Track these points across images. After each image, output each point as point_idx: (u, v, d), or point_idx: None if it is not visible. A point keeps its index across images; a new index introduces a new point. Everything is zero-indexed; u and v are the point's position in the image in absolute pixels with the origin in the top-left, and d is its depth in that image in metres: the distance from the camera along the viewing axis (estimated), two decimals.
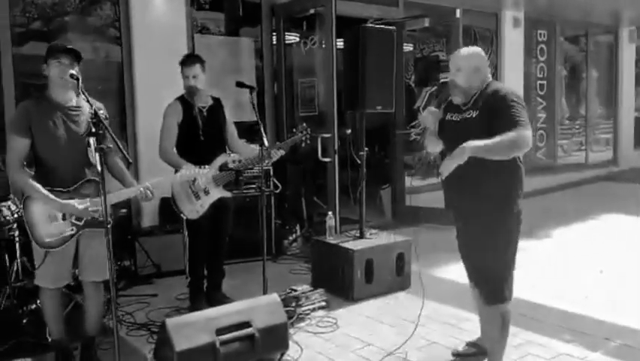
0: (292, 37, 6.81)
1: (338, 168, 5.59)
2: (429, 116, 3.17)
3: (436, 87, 7.52)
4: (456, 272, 4.97)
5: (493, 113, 2.83)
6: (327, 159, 5.56)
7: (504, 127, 2.74)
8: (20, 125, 3.02)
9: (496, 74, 8.75)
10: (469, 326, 3.84)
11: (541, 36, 9.77)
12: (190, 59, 4.14)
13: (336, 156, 5.54)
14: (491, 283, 2.98)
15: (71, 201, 3.01)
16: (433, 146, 3.25)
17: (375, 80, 4.64)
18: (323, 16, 5.82)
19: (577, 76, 11.15)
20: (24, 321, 3.83)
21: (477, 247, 3.02)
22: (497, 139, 2.71)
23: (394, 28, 4.95)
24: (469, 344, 3.46)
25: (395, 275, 4.60)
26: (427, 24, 6.97)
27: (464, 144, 2.72)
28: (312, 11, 6.37)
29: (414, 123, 7.29)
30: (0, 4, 4.93)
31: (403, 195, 7.23)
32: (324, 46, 5.92)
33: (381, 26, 4.96)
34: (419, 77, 7.71)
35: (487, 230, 2.94)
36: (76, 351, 3.35)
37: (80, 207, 3.02)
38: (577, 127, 11.03)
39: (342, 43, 5.16)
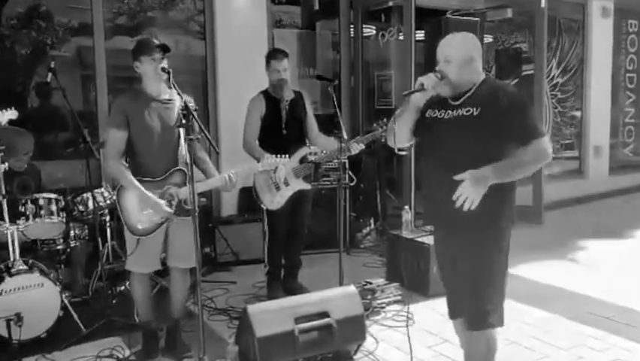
0: (370, 30, 6.79)
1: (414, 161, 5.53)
2: (431, 80, 2.49)
3: (517, 79, 7.28)
4: (533, 270, 4.87)
5: (502, 116, 2.39)
6: (403, 153, 5.51)
7: (520, 138, 2.38)
8: (117, 119, 3.18)
9: (582, 67, 8.36)
10: (546, 325, 3.75)
11: (631, 26, 9.21)
12: (279, 53, 4.21)
13: (412, 150, 5.48)
14: (476, 304, 2.50)
15: (160, 202, 3.13)
16: (404, 135, 2.64)
17: None
18: (402, 7, 5.76)
19: None
20: (113, 302, 4.07)
21: (463, 265, 2.54)
22: (519, 159, 2.38)
23: (478, 19, 4.83)
24: None
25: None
26: (509, 15, 6.74)
27: (483, 172, 2.32)
28: (390, 3, 6.33)
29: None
30: (94, 1, 5.20)
31: None
32: (402, 38, 5.86)
33: (465, 17, 4.85)
34: (500, 69, 7.47)
35: (476, 246, 2.48)
36: (161, 332, 3.50)
37: (165, 208, 3.13)
38: None
39: (420, 35, 5.09)
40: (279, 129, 4.18)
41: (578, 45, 8.34)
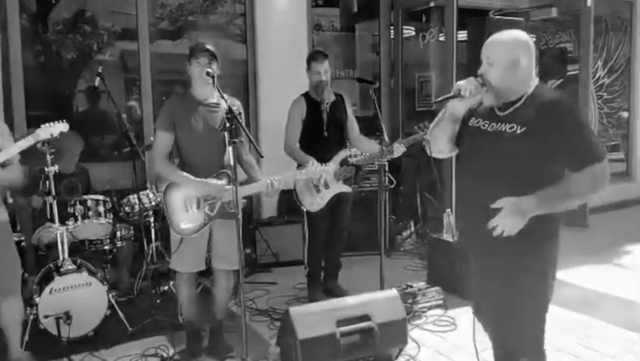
0: (410, 31, 6.75)
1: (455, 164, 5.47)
2: (471, 85, 2.21)
3: (562, 80, 7.11)
4: (578, 274, 4.74)
5: (556, 134, 2.08)
6: (442, 156, 5.45)
7: (574, 163, 2.08)
8: (165, 121, 3.26)
9: (629, 67, 8.10)
10: (591, 331, 3.67)
11: None
12: (320, 56, 4.22)
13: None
14: (520, 343, 2.29)
15: (219, 182, 3.18)
16: (442, 146, 2.41)
17: None
18: (443, 8, 5.71)
19: None
20: (158, 301, 4.15)
21: (504, 297, 2.27)
22: (570, 188, 2.08)
23: (522, 19, 4.74)
24: None
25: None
26: (554, 14, 6.59)
27: (525, 202, 2.08)
28: (432, 4, 6.28)
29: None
30: (140, 3, 5.31)
31: None
32: (443, 39, 5.80)
33: (509, 17, 4.77)
34: (544, 69, 7.31)
35: (520, 276, 2.22)
36: (205, 332, 3.55)
37: (220, 182, 3.17)
38: None
39: (462, 36, 5.03)
40: (320, 131, 4.20)
41: (625, 44, 8.09)
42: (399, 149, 3.96)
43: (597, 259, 5.28)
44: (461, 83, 2.21)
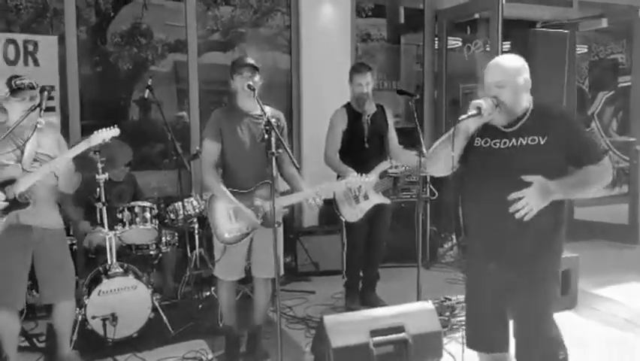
0: (454, 42, 6.72)
1: None
2: (489, 105, 2.30)
3: (613, 92, 6.92)
4: (628, 293, 4.59)
5: (571, 139, 2.32)
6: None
7: (588, 159, 2.31)
8: (213, 131, 3.38)
9: None
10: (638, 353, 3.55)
11: None
12: (363, 68, 4.26)
13: None
14: (552, 338, 2.39)
15: (250, 212, 3.29)
16: (446, 162, 2.41)
17: (543, 86, 4.40)
18: (489, 19, 5.67)
19: None
20: (199, 306, 4.27)
21: (521, 299, 2.38)
22: (585, 177, 2.29)
23: (567, 31, 4.67)
24: None
25: (560, 293, 4.33)
26: (604, 24, 6.43)
27: (550, 185, 2.21)
28: (476, 15, 6.23)
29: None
30: (189, 17, 5.50)
31: (570, 207, 6.77)
32: (488, 50, 5.76)
33: (553, 30, 4.71)
34: (594, 80, 7.13)
35: (536, 278, 2.35)
36: (243, 338, 3.64)
37: (254, 219, 3.29)
38: None
39: (507, 47, 4.98)
40: (360, 143, 4.24)
41: None
42: None
43: None
44: (480, 102, 2.31)
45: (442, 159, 2.48)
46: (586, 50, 7.36)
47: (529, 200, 2.20)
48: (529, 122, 2.38)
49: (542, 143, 2.31)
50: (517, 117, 2.38)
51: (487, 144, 2.41)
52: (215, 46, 6.47)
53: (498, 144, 2.39)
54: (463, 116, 2.33)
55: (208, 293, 4.42)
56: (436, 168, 2.59)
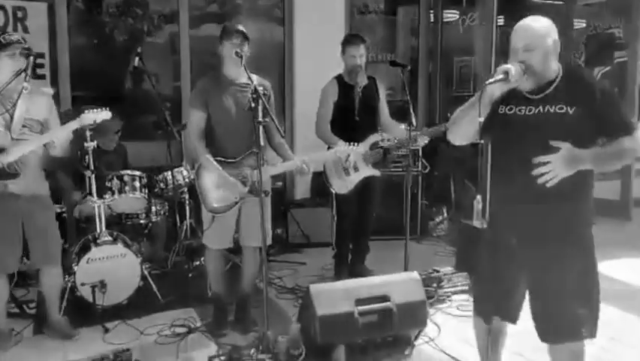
0: (450, 15, 6.65)
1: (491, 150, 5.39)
2: (517, 70, 2.20)
3: (610, 67, 6.87)
4: (615, 267, 4.61)
5: (600, 112, 2.20)
6: (479, 141, 5.38)
7: (621, 131, 2.21)
8: (198, 100, 3.36)
9: None
10: (622, 325, 3.63)
11: None
12: (356, 39, 4.22)
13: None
14: (572, 314, 2.27)
15: (237, 182, 3.29)
16: (470, 129, 2.31)
17: None
18: None
19: None
20: (189, 275, 4.30)
21: (544, 272, 2.31)
22: (618, 149, 2.20)
23: (562, 2, 4.61)
24: None
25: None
26: None
27: (581, 153, 2.14)
28: None
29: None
30: None
31: None
32: (483, 23, 5.69)
33: (549, 2, 4.65)
34: (590, 55, 7.07)
35: (561, 252, 2.27)
36: (232, 307, 3.67)
37: (241, 187, 3.29)
38: None
39: (502, 20, 4.94)
40: (351, 115, 4.22)
41: None
42: (422, 139, 3.97)
43: (638, 253, 5.12)
44: (509, 66, 2.21)
45: (462, 126, 2.38)
46: (584, 25, 7.29)
47: (555, 165, 2.13)
48: (557, 90, 2.27)
49: (570, 112, 2.21)
50: (546, 83, 2.28)
51: (512, 111, 2.32)
52: (212, 18, 6.38)
53: (523, 111, 2.29)
54: (490, 80, 2.22)
55: (198, 263, 4.44)
56: (457, 136, 2.46)
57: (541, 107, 2.25)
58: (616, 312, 3.82)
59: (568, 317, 2.28)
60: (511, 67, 2.20)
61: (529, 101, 2.29)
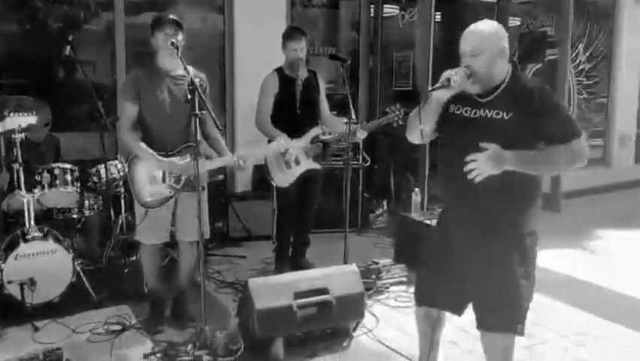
0: (390, 10, 6.72)
1: (430, 144, 5.50)
2: (459, 76, 2.28)
3: (541, 65, 7.14)
4: (545, 257, 4.76)
5: (536, 119, 2.24)
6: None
7: (558, 138, 2.23)
8: (130, 91, 3.26)
9: (610, 54, 8.14)
10: (550, 312, 3.78)
11: None
12: (297, 33, 4.20)
13: None
14: (513, 310, 2.38)
15: (173, 158, 3.22)
16: (427, 130, 2.45)
17: None
18: None
19: None
20: (125, 271, 4.19)
21: (485, 269, 2.39)
22: (551, 155, 2.24)
23: (497, 0, 4.75)
24: None
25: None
26: None
27: (506, 153, 2.19)
28: None
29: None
30: None
31: None
32: (422, 20, 5.80)
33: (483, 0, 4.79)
34: (523, 53, 7.33)
35: (496, 253, 2.35)
36: (169, 302, 3.61)
37: (181, 162, 3.21)
38: None
39: (439, 17, 5.04)
40: (292, 108, 4.21)
41: (607, 31, 8.11)
42: (361, 133, 4.02)
43: (566, 243, 5.36)
44: (450, 73, 2.29)
45: (416, 127, 2.46)
46: (519, 23, 7.54)
47: (479, 164, 2.20)
48: (500, 95, 2.33)
49: (506, 118, 2.26)
50: (493, 87, 2.33)
51: (459, 112, 2.39)
52: (150, 6, 6.20)
53: (469, 113, 2.36)
54: (432, 87, 2.31)
55: (134, 258, 4.32)
56: (412, 136, 2.56)
57: (483, 111, 2.32)
58: (544, 299, 3.99)
59: (504, 309, 2.37)
60: (454, 73, 2.28)
61: (477, 103, 2.36)
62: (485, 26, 2.33)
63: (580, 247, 5.37)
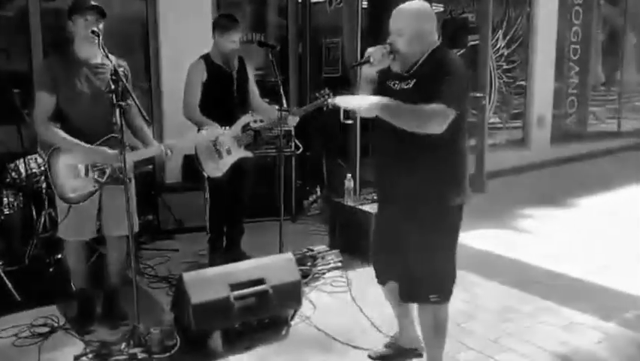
0: None
1: (360, 129, 5.57)
2: (378, 53, 2.46)
3: (464, 50, 7.35)
4: (472, 237, 4.99)
5: (431, 85, 2.36)
6: (349, 121, 5.55)
7: (433, 98, 2.32)
8: (46, 81, 3.07)
9: (528, 39, 8.50)
10: (479, 289, 3.94)
11: None
12: (236, 24, 4.06)
13: (358, 118, 5.50)
14: (422, 279, 2.55)
15: (105, 149, 3.08)
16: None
17: None
18: None
19: (614, 40, 10.73)
20: (50, 270, 4.00)
21: (406, 238, 2.57)
22: (414, 106, 2.34)
23: None
24: (387, 345, 3.05)
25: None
26: None
27: (376, 99, 2.38)
28: None
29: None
30: None
31: None
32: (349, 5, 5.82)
33: None
34: (447, 38, 7.52)
35: (420, 222, 2.50)
36: (98, 300, 3.48)
37: (111, 151, 3.07)
38: (611, 94, 10.69)
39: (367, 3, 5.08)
40: (224, 98, 4.11)
41: (524, 16, 8.46)
42: (292, 120, 4.00)
43: (491, 223, 5.58)
44: (371, 50, 2.46)
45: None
46: (442, 9, 7.72)
47: (353, 99, 2.44)
48: (417, 69, 2.47)
49: (411, 87, 2.43)
50: (413, 63, 2.47)
51: (389, 85, 2.54)
52: None
53: (396, 86, 2.51)
54: (354, 63, 2.54)
55: (60, 256, 4.14)
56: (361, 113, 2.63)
57: (403, 84, 2.48)
58: (475, 278, 4.16)
59: (419, 281, 2.56)
60: (374, 51, 2.45)
61: (401, 77, 2.51)
62: (410, 7, 2.48)
63: (505, 226, 5.61)
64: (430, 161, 2.43)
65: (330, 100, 2.45)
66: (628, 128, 10.86)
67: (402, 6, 2.49)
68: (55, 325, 3.32)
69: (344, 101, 2.47)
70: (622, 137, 10.55)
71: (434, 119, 2.32)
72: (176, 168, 5.50)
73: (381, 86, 2.58)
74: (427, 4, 2.53)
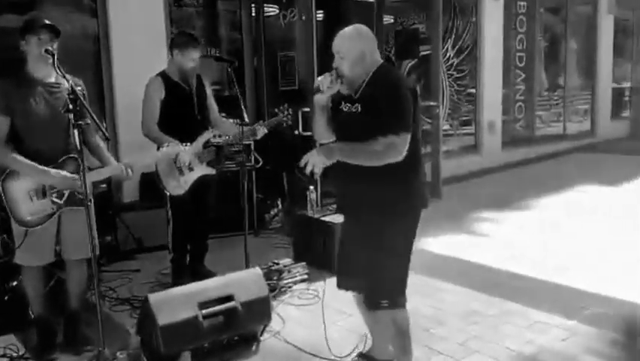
0: (271, 10, 6.73)
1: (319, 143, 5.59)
2: (327, 80, 2.57)
3: (416, 60, 7.51)
4: (430, 242, 5.09)
5: (376, 109, 2.47)
6: (307, 133, 5.57)
7: (382, 129, 2.43)
8: (0, 103, 2.96)
9: (475, 47, 8.76)
10: (442, 294, 4.02)
11: (521, 7, 9.75)
12: (196, 42, 4.01)
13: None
14: (371, 286, 2.68)
15: (62, 172, 3.00)
16: (321, 131, 2.75)
17: None
18: None
19: (556, 47, 11.20)
20: (6, 298, 3.83)
21: (364, 247, 2.66)
22: (364, 146, 2.46)
23: (374, 1, 4.93)
24: (359, 356, 3.03)
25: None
26: None
27: (332, 146, 2.53)
28: None
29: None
30: None
31: None
32: (303, 18, 5.87)
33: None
34: (399, 49, 7.67)
35: (374, 230, 2.60)
36: (59, 326, 3.36)
37: (68, 174, 2.99)
38: (555, 98, 11.14)
39: (321, 15, 5.13)
40: (182, 114, 4.05)
41: (471, 26, 8.72)
42: (261, 130, 3.99)
43: (448, 227, 5.70)
44: (320, 78, 2.57)
45: (318, 131, 2.76)
46: (392, 21, 7.88)
47: (311, 157, 2.47)
48: (363, 91, 2.57)
49: (359, 111, 2.54)
50: (359, 85, 2.57)
51: (341, 107, 2.64)
52: (11, 7, 5.70)
53: (348, 109, 2.61)
54: (315, 93, 2.61)
55: (15, 283, 3.97)
56: (322, 138, 2.79)
57: (352, 107, 2.58)
58: (439, 283, 4.23)
59: (371, 288, 2.69)
60: (322, 78, 2.57)
61: (351, 99, 2.61)
62: (349, 31, 2.58)
63: (462, 230, 5.73)
64: (381, 168, 2.50)
65: (297, 171, 2.54)
66: (572, 130, 11.32)
67: (343, 31, 2.59)
68: (15, 355, 3.19)
69: (307, 164, 2.49)
70: (568, 139, 10.97)
71: (390, 154, 2.45)
72: (133, 187, 5.38)
73: (335, 109, 2.67)
74: (364, 26, 2.63)
